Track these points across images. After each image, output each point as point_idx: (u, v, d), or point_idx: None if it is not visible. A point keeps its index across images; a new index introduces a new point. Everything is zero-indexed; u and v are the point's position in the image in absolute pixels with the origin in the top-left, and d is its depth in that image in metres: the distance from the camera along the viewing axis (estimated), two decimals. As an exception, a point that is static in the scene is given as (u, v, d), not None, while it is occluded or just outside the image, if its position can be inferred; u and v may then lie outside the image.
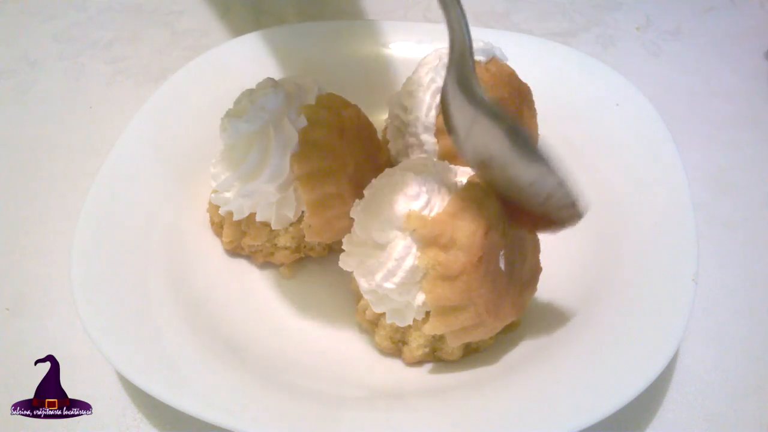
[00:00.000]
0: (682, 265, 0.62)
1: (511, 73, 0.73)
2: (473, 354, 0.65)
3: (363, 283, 0.61)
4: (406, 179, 0.59)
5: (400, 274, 0.58)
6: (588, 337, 0.62)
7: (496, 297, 0.59)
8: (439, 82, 0.70)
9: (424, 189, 0.58)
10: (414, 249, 0.57)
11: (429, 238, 0.56)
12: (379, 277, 0.58)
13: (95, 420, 0.63)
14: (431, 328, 0.59)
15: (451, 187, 0.59)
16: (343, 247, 0.63)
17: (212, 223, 0.76)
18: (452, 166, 0.63)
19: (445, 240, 0.56)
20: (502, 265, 0.59)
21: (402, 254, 0.57)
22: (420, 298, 0.58)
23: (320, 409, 0.58)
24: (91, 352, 0.65)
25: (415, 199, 0.57)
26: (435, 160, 0.63)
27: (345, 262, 0.63)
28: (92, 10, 1.12)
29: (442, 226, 0.56)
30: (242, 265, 0.75)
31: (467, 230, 0.56)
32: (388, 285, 0.58)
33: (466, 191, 0.58)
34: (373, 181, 0.62)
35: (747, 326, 0.69)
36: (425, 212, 0.57)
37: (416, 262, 0.57)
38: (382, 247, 0.58)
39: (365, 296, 0.63)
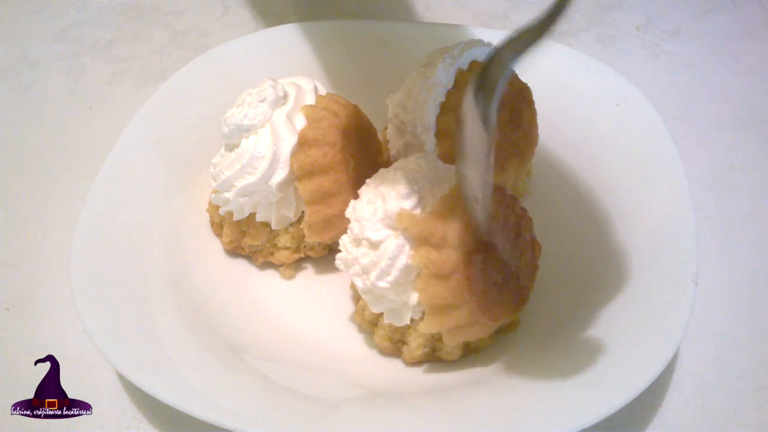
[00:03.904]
0: (682, 265, 0.62)
1: (510, 73, 0.73)
2: (473, 354, 0.65)
3: (358, 283, 0.61)
4: (398, 178, 0.59)
5: (394, 273, 0.58)
6: (587, 337, 0.61)
7: (491, 295, 0.58)
8: (440, 81, 0.70)
9: (415, 188, 0.58)
10: (407, 248, 0.57)
11: (420, 237, 0.56)
12: (373, 276, 0.58)
13: (95, 420, 0.63)
14: (426, 327, 0.59)
15: (443, 187, 0.59)
16: (339, 247, 0.63)
17: (212, 223, 0.76)
18: (446, 165, 0.62)
19: (437, 239, 0.56)
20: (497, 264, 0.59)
21: (395, 253, 0.57)
22: (415, 297, 0.58)
23: (320, 409, 0.58)
24: (91, 352, 0.65)
25: (407, 199, 0.57)
26: (429, 159, 0.63)
27: (340, 262, 0.63)
28: (92, 10, 1.12)
29: (433, 224, 0.56)
30: (242, 265, 0.75)
31: (458, 229, 0.55)
32: (383, 284, 0.58)
33: (458, 190, 0.58)
34: (368, 180, 0.62)
35: (747, 326, 0.69)
36: (417, 211, 0.57)
37: (409, 261, 0.57)
38: (375, 246, 0.58)
39: (363, 296, 0.63)
